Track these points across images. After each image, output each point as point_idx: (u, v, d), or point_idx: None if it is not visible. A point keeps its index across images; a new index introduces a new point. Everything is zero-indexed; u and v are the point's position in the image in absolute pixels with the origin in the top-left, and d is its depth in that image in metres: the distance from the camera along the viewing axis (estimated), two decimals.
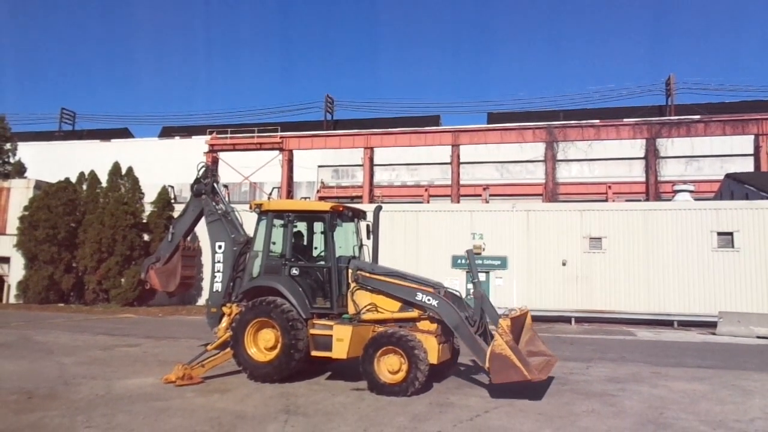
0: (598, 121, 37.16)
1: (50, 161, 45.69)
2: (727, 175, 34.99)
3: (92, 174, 31.47)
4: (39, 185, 31.62)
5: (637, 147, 38.88)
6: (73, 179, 31.26)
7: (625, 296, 24.92)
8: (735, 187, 32.13)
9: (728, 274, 24.15)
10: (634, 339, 19.74)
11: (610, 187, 38.15)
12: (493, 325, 9.96)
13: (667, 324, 23.62)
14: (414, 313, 10.08)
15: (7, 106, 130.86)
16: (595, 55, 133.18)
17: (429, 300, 9.91)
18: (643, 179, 37.05)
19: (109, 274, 28.71)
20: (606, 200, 36.26)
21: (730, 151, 40.55)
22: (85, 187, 31.21)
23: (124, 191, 30.41)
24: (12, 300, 30.41)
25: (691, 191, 29.81)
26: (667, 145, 36.77)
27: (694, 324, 23.24)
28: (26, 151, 42.38)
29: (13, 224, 30.63)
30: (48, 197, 29.82)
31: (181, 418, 7.92)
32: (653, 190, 34.89)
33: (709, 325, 22.17)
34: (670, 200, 29.58)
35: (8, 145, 38.00)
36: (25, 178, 35.51)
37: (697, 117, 36.06)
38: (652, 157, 35.39)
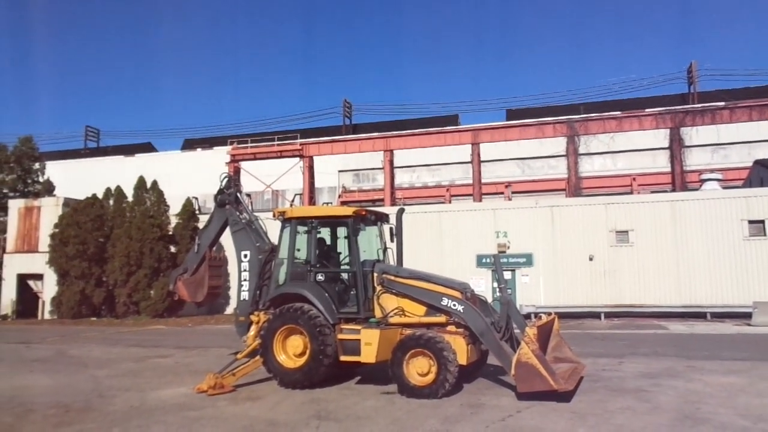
0: (619, 112, 36.64)
1: (77, 178, 46.56)
2: (756, 162, 34.19)
3: (118, 189, 32.06)
4: (68, 202, 32.30)
5: (660, 137, 38.16)
6: (100, 195, 31.87)
7: (655, 289, 24.50)
8: (764, 173, 31.38)
9: (761, 263, 23.60)
10: (666, 333, 19.40)
11: (634, 179, 37.55)
12: (518, 330, 9.86)
13: (699, 316, 23.16)
14: (441, 318, 10.02)
15: (35, 127, 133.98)
16: (614, 47, 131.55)
17: (455, 305, 9.86)
18: (669, 170, 36.40)
19: (139, 287, 29.18)
20: (631, 192, 35.69)
21: (758, 136, 39.52)
22: (111, 202, 31.81)
23: (150, 204, 30.91)
24: (47, 315, 31.11)
25: (718, 180, 29.25)
26: (692, 134, 36.08)
27: (728, 315, 22.76)
28: (54, 170, 43.35)
29: (44, 242, 31.34)
30: (76, 214, 30.45)
31: (215, 427, 8.01)
32: (679, 180, 34.26)
33: (744, 316, 21.68)
34: (697, 190, 29.03)
35: (37, 165, 39.00)
36: (54, 196, 36.31)
37: (722, 104, 35.30)
38: (676, 146, 34.78)
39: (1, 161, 37.12)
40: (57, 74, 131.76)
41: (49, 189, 39.02)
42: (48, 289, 31.28)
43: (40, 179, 39.16)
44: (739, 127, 37.48)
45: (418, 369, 9.40)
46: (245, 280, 13.18)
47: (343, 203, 43.00)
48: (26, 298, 32.12)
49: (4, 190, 37.15)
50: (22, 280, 32.23)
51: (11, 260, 32.48)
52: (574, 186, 35.53)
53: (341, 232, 11.63)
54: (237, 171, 39.14)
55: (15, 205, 33.52)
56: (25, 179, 38.37)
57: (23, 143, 38.39)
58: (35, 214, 32.76)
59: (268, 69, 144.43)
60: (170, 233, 30.88)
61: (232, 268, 18.30)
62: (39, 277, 31.82)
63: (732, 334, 18.48)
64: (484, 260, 26.20)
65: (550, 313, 11.28)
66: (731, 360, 12.74)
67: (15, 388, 10.97)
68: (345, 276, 11.11)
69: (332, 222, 11.60)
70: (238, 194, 14.71)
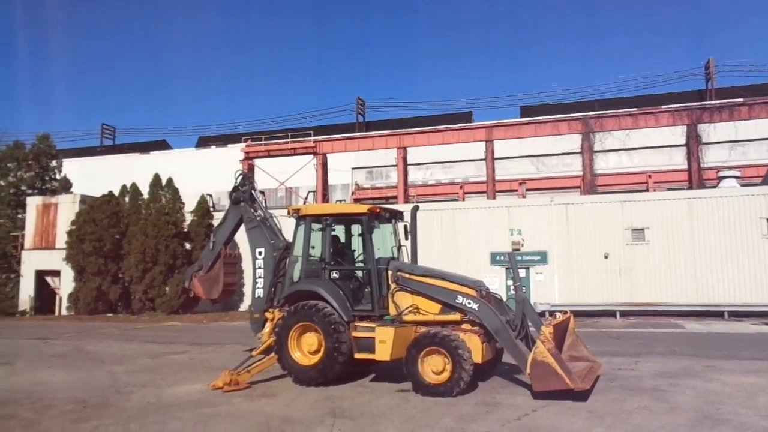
0: (635, 109, 36.21)
1: (93, 176, 46.96)
2: None
3: (134, 186, 32.35)
4: (84, 200, 32.64)
5: (677, 134, 37.70)
6: (116, 192, 32.17)
7: (671, 288, 24.24)
8: None
9: None
10: (683, 332, 19.19)
11: (650, 176, 37.06)
12: (534, 328, 9.80)
13: (716, 315, 22.88)
14: (456, 316, 10.00)
15: (52, 125, 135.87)
16: (628, 43, 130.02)
17: (469, 303, 9.82)
18: (685, 167, 35.89)
19: (154, 284, 29.43)
20: (647, 190, 35.28)
21: None
22: (127, 199, 32.11)
23: (165, 202, 31.15)
24: (64, 311, 31.49)
25: (737, 177, 28.85)
26: (709, 131, 35.54)
27: (746, 314, 22.46)
28: (71, 167, 43.80)
29: (61, 238, 31.70)
30: (93, 211, 30.78)
31: (230, 423, 8.05)
32: (696, 177, 33.80)
33: (762, 315, 21.44)
34: (714, 187, 28.65)
35: (54, 163, 39.44)
36: (71, 193, 36.69)
37: (740, 100, 34.73)
38: (693, 143, 34.29)
39: (19, 159, 37.58)
40: (73, 73, 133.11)
41: (66, 186, 39.46)
42: (65, 285, 31.66)
43: (58, 176, 39.60)
44: (758, 123, 36.87)
45: (433, 367, 9.37)
46: (260, 277, 13.24)
47: (357, 200, 42.96)
48: (44, 294, 32.56)
49: (23, 188, 37.60)
50: (40, 276, 32.66)
51: (29, 257, 32.93)
52: (589, 183, 35.19)
53: (356, 229, 11.62)
54: (251, 168, 39.24)
55: (33, 202, 33.94)
56: (43, 176, 38.81)
57: (41, 141, 38.84)
58: (52, 211, 33.16)
59: (282, 67, 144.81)
60: (185, 230, 31.10)
61: (246, 265, 18.38)
62: (56, 273, 32.22)
63: (750, 333, 18.24)
64: (498, 258, 26.08)
65: (565, 312, 11.15)
66: (750, 360, 12.57)
67: (33, 384, 11.12)
68: (359, 273, 11.09)
69: (347, 219, 11.59)
70: (253, 191, 14.76)
